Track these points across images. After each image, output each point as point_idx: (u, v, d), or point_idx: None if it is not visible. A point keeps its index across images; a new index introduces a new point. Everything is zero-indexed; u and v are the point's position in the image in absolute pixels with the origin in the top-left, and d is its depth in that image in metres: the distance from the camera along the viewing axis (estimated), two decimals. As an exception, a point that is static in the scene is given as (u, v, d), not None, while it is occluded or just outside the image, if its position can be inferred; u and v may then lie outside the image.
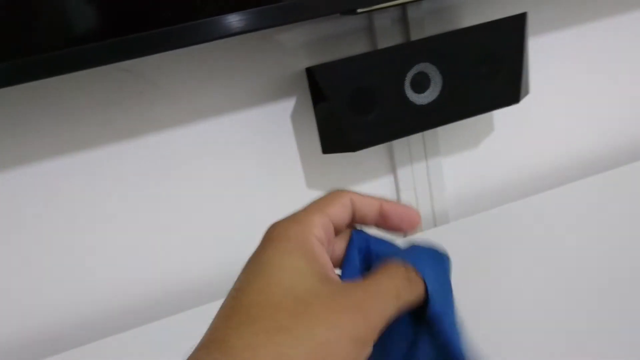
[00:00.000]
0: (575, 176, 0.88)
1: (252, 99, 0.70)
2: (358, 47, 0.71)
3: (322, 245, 0.31)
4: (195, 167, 0.71)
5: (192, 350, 0.26)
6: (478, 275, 0.66)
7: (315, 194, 0.78)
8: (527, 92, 0.72)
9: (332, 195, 0.34)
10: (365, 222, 0.36)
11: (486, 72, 0.67)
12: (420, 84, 0.66)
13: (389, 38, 0.70)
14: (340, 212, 0.34)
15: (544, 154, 0.86)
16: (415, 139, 0.77)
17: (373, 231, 0.37)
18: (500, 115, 0.82)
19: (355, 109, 0.63)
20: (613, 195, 0.76)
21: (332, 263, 0.33)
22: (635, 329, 0.52)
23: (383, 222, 0.36)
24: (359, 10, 0.59)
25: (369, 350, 0.28)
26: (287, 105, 0.72)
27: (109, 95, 0.66)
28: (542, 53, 0.81)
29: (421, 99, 0.66)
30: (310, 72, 0.65)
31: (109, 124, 0.67)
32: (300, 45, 0.70)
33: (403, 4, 0.68)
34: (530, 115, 0.83)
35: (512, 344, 0.54)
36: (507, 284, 0.63)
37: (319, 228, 0.31)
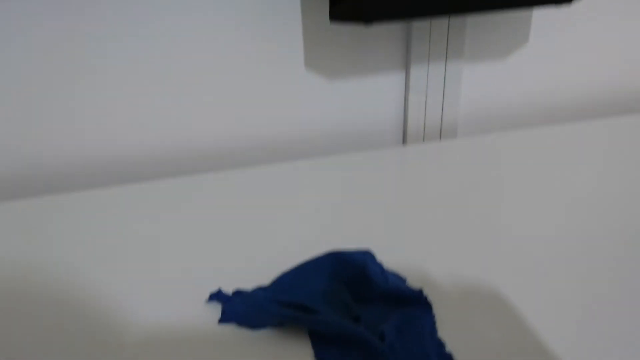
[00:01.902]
0: (603, 113, 0.78)
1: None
2: None
3: None
4: (195, 39, 0.60)
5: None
6: (476, 200, 0.57)
7: (314, 76, 0.67)
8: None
9: None
10: None
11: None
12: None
13: None
14: None
15: (578, 82, 0.75)
16: (438, 34, 0.66)
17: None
18: (540, 24, 0.70)
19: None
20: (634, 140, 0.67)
21: None
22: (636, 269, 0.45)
23: None
24: None
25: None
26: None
27: None
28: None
29: (458, -26, 0.54)
30: None
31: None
32: None
33: None
34: (573, 32, 0.72)
35: (502, 266, 0.46)
36: (506, 215, 0.55)
37: None
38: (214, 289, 0.45)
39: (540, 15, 0.70)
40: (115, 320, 0.42)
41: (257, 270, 0.46)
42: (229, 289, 0.44)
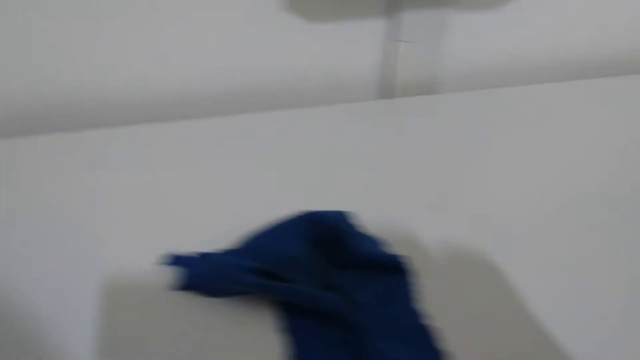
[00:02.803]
0: (600, 73, 0.74)
1: None
2: None
3: None
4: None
5: None
6: (462, 160, 0.54)
7: (292, 19, 0.61)
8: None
9: None
10: None
11: None
12: None
13: None
14: None
15: (580, 38, 0.71)
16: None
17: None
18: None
19: None
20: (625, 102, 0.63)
21: None
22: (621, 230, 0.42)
23: None
24: None
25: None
26: None
27: None
28: None
29: None
30: None
31: None
32: None
33: None
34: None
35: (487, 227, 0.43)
36: (494, 176, 0.51)
37: None
38: (173, 250, 0.40)
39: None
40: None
41: (225, 231, 0.42)
42: (190, 251, 0.40)
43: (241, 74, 0.63)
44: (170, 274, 0.38)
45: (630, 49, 0.75)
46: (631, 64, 0.75)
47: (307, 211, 0.41)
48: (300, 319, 0.35)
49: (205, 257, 0.38)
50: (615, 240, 0.43)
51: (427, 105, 0.62)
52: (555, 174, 0.50)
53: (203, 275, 0.37)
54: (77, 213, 0.45)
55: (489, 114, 0.60)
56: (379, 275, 0.38)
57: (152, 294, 0.37)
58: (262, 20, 0.60)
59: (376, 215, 0.44)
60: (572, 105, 0.62)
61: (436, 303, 0.37)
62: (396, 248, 0.41)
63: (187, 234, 0.42)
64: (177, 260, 0.39)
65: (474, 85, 0.71)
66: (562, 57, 0.73)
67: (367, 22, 0.64)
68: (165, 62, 0.61)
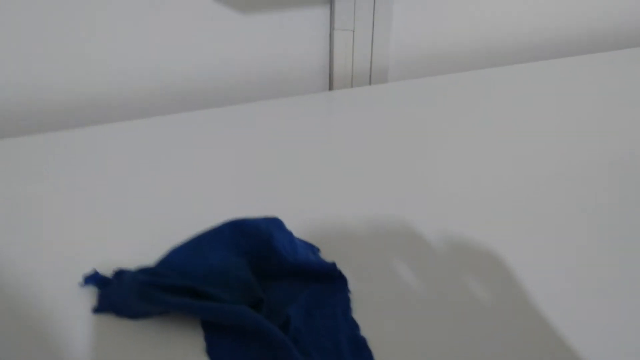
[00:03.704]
0: (544, 55, 0.73)
1: None
2: None
3: None
4: None
5: None
6: (408, 150, 0.52)
7: (225, 9, 0.58)
8: None
9: None
10: None
11: None
12: None
13: None
14: None
15: (523, 22, 0.69)
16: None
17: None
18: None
19: None
20: (571, 81, 0.62)
21: None
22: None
23: None
24: None
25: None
26: None
27: None
28: None
29: None
30: None
31: None
32: None
33: None
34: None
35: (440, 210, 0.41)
36: (443, 166, 0.50)
37: None
38: (89, 268, 0.37)
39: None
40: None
41: (149, 241, 0.39)
42: (107, 269, 0.37)
43: (172, 71, 0.60)
44: (88, 295, 0.36)
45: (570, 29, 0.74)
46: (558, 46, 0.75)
47: (235, 219, 0.38)
48: (223, 339, 0.32)
49: (119, 275, 0.36)
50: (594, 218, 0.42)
51: (371, 95, 0.60)
52: (504, 160, 0.49)
53: (120, 296, 0.34)
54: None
55: (434, 100, 0.58)
56: (312, 286, 0.36)
57: (71, 316, 0.34)
58: (190, 11, 0.57)
59: (314, 214, 0.42)
60: (527, 86, 0.61)
61: (369, 315, 0.35)
62: (334, 251, 0.39)
63: (105, 251, 0.39)
64: (95, 280, 0.36)
65: (420, 72, 0.69)
66: (506, 40, 0.71)
67: (307, 10, 0.61)
68: (95, 64, 0.57)
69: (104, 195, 0.45)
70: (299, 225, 0.41)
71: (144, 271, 0.35)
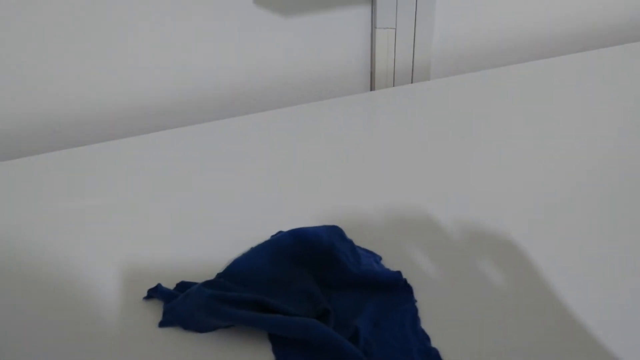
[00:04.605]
0: (591, 46, 0.71)
1: None
2: None
3: None
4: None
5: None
6: (454, 151, 0.51)
7: (265, 12, 0.57)
8: None
9: None
10: None
11: None
12: None
13: None
14: None
15: (569, 14, 0.67)
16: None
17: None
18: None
19: None
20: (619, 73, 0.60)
21: None
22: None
23: None
24: None
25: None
26: None
27: None
28: None
29: None
30: None
31: None
32: None
33: None
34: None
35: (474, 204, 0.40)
36: (489, 164, 0.48)
37: None
38: (152, 280, 0.37)
39: None
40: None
41: (209, 252, 0.39)
42: (170, 282, 0.37)
43: (214, 76, 0.60)
44: (157, 309, 0.35)
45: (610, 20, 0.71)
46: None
47: (295, 229, 0.38)
48: (291, 351, 0.32)
49: (182, 288, 0.35)
50: (624, 209, 0.40)
51: (414, 94, 0.59)
52: (549, 154, 0.48)
53: (186, 310, 0.34)
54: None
55: (481, 96, 0.57)
56: (377, 296, 0.35)
57: (137, 330, 0.34)
58: (232, 15, 0.56)
59: (369, 221, 0.41)
60: (571, 78, 0.59)
61: (437, 325, 0.34)
62: (393, 258, 0.38)
63: (167, 264, 0.39)
64: (158, 294, 0.36)
65: (462, 69, 0.68)
66: (546, 35, 0.69)
67: (347, 10, 0.60)
68: (143, 72, 0.57)
69: (163, 207, 0.45)
70: (347, 228, 0.40)
71: (209, 284, 0.35)
